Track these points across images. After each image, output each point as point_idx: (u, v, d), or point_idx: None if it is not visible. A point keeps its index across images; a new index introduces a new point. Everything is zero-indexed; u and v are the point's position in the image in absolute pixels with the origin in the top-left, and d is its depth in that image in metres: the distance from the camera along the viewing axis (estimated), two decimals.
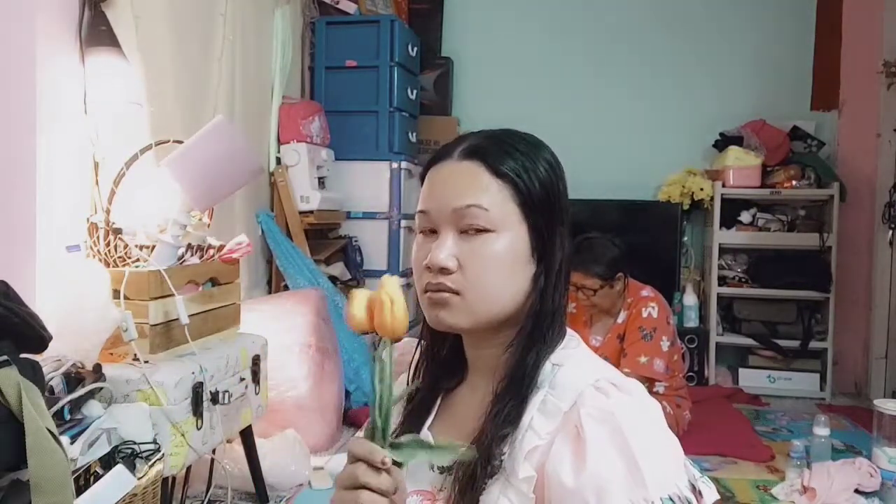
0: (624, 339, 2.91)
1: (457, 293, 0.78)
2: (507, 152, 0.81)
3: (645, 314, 2.91)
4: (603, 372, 0.79)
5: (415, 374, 0.92)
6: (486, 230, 0.78)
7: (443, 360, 0.90)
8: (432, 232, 0.81)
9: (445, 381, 0.89)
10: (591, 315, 3.01)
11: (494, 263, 0.78)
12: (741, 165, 3.78)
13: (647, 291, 2.97)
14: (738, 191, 3.82)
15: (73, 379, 1.51)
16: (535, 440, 0.76)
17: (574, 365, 0.81)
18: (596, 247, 2.88)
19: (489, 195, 0.79)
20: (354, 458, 0.70)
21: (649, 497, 0.70)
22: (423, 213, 0.82)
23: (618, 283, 2.85)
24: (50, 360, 1.48)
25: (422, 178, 0.86)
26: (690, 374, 3.77)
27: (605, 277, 2.81)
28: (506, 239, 0.79)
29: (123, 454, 1.49)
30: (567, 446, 0.74)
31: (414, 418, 0.87)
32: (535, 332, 0.81)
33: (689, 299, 3.95)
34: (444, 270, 0.78)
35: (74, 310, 1.60)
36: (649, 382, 2.87)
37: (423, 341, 0.91)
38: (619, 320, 2.96)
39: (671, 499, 0.71)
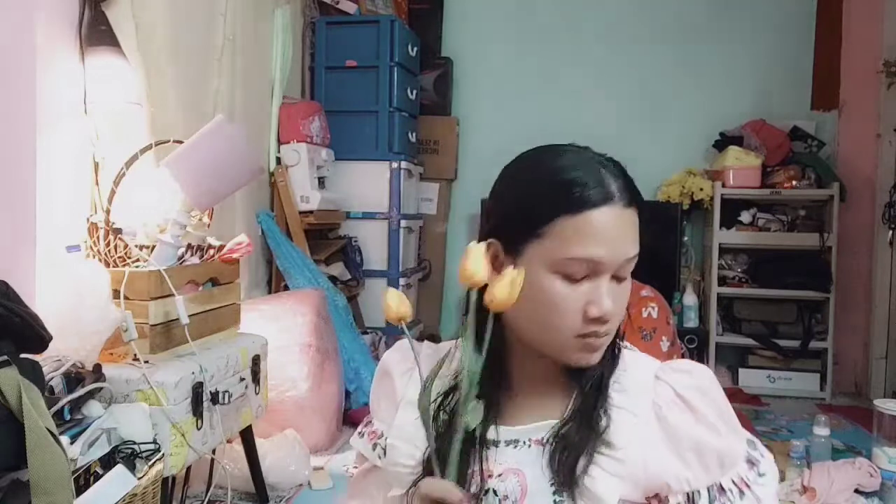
0: (624, 339, 2.92)
1: (607, 334, 0.83)
2: (641, 195, 0.85)
3: (645, 314, 2.91)
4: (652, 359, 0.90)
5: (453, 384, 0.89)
6: (627, 277, 0.83)
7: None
8: (581, 277, 0.80)
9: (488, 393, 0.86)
10: None
11: (626, 300, 0.85)
12: (741, 165, 3.78)
13: (646, 291, 2.97)
14: (738, 191, 3.82)
15: (73, 379, 1.51)
16: (626, 415, 0.83)
17: (628, 348, 0.91)
18: None
19: (638, 243, 0.84)
20: (430, 501, 0.74)
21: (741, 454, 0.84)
22: (595, 261, 0.79)
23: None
24: (50, 360, 1.48)
25: (542, 201, 0.81)
26: None
27: None
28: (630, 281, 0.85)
29: (123, 454, 1.49)
30: (672, 412, 0.83)
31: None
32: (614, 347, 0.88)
33: (689, 299, 3.95)
34: (608, 321, 0.81)
35: (74, 310, 1.60)
36: None
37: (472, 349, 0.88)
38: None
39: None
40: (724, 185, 3.82)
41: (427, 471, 0.83)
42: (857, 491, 2.37)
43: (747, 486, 0.83)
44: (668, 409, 0.83)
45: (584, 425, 0.82)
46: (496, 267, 0.83)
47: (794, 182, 3.77)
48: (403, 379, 0.94)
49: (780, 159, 3.85)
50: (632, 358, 0.90)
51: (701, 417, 0.82)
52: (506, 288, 0.74)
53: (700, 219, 4.12)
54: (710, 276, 3.92)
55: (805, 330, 3.81)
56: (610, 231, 0.79)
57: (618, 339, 0.89)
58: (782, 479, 2.55)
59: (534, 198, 0.82)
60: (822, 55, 4.03)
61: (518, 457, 0.84)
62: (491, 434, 0.85)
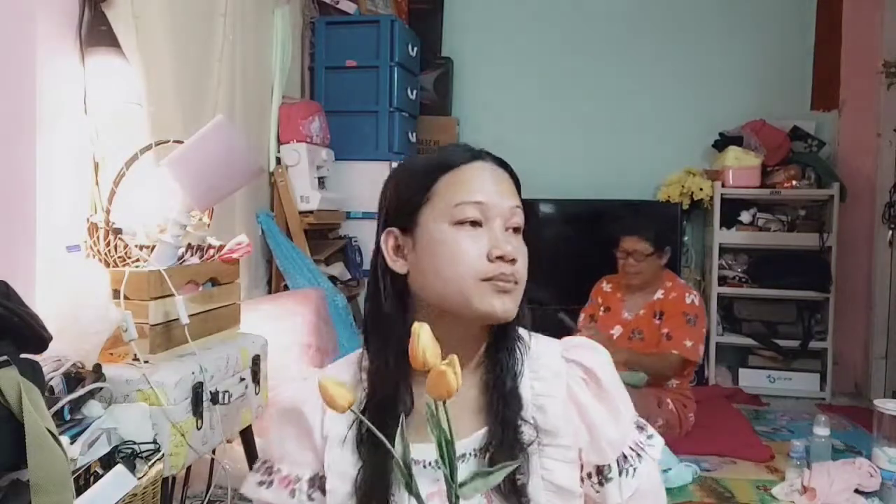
0: (662, 318, 2.99)
1: (516, 283, 0.87)
2: (512, 168, 0.95)
3: (688, 300, 3.00)
4: (550, 339, 0.97)
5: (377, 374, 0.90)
6: (520, 229, 0.91)
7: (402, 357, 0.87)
8: (473, 224, 0.86)
9: (398, 388, 0.87)
10: (625, 292, 3.12)
11: (527, 259, 0.90)
12: (741, 165, 3.78)
13: (681, 281, 3.07)
14: (737, 191, 3.82)
15: (73, 379, 1.51)
16: (552, 402, 0.88)
17: (531, 335, 0.95)
18: (641, 216, 3.06)
19: (519, 200, 0.92)
20: None
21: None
22: (478, 204, 0.86)
23: (665, 256, 2.99)
24: (50, 360, 1.48)
25: (417, 174, 0.90)
26: None
27: (657, 245, 2.95)
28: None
29: (123, 454, 1.49)
30: (586, 395, 0.90)
31: (385, 419, 0.84)
32: (520, 318, 0.92)
33: None
34: (511, 261, 0.86)
35: (74, 310, 1.60)
36: (689, 366, 2.96)
37: (378, 339, 0.91)
38: (655, 297, 3.07)
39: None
40: (723, 185, 3.82)
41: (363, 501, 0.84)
42: (857, 491, 2.37)
43: (642, 448, 0.92)
44: (578, 388, 0.90)
45: (510, 426, 0.85)
46: (399, 253, 0.89)
47: (793, 182, 3.77)
48: (317, 415, 0.90)
49: (779, 159, 3.85)
50: (536, 343, 0.94)
51: (604, 394, 0.90)
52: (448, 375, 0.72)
53: (700, 219, 4.12)
54: (710, 276, 3.92)
55: (805, 330, 3.81)
56: (486, 180, 0.89)
57: (518, 328, 0.92)
58: (782, 479, 2.56)
59: (415, 175, 0.90)
60: (822, 55, 4.03)
61: (461, 472, 0.82)
62: (416, 454, 0.84)
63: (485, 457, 0.85)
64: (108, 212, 1.87)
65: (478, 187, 0.87)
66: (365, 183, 3.73)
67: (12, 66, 1.77)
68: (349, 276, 3.60)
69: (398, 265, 0.89)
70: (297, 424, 0.92)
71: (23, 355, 1.30)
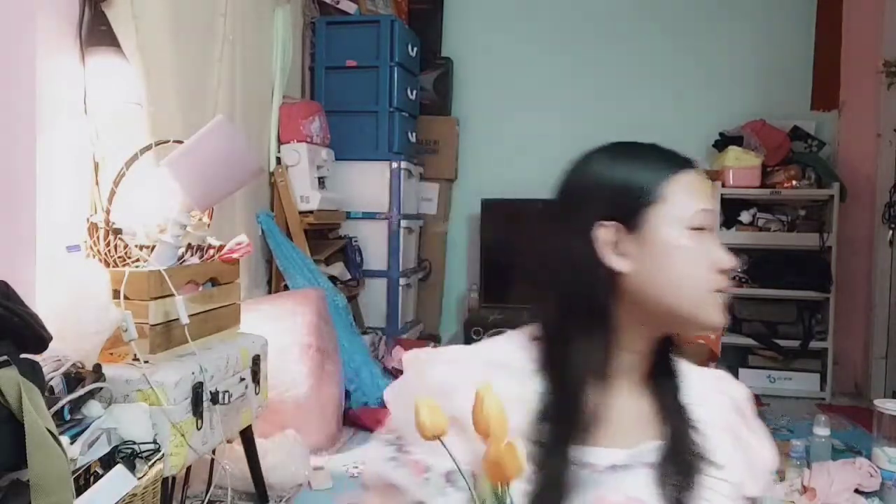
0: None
1: None
2: None
3: None
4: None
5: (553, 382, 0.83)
6: None
7: (584, 364, 0.83)
8: (700, 232, 0.83)
9: (584, 388, 0.82)
10: None
11: None
12: (741, 165, 3.78)
13: None
14: (738, 191, 3.82)
15: (73, 379, 1.51)
16: (715, 431, 0.85)
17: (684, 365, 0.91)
18: None
19: None
20: None
21: None
22: (709, 212, 0.84)
23: None
24: (50, 360, 1.48)
25: (646, 168, 0.84)
26: None
27: None
28: None
29: (123, 454, 1.49)
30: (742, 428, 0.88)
31: (562, 432, 0.79)
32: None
33: None
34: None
35: (74, 310, 1.60)
36: (712, 359, 2.96)
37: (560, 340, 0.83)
38: None
39: None
40: (723, 185, 3.81)
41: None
42: (857, 491, 2.37)
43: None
44: (732, 419, 0.88)
45: (686, 447, 0.83)
46: (617, 250, 0.82)
47: (793, 182, 3.77)
48: (472, 397, 0.80)
49: (779, 159, 3.85)
50: (687, 369, 0.90)
51: (755, 429, 0.89)
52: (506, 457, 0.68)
53: None
54: None
55: (805, 330, 3.81)
56: (704, 186, 0.85)
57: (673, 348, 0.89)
58: (782, 478, 2.56)
59: (644, 171, 0.84)
60: (822, 55, 4.03)
61: (636, 483, 0.81)
62: (591, 457, 0.80)
63: (657, 471, 0.82)
64: (108, 212, 1.87)
65: (703, 195, 0.84)
66: (365, 183, 3.74)
67: (12, 66, 1.77)
68: (349, 276, 3.60)
69: (619, 262, 0.82)
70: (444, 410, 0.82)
71: (23, 355, 1.30)
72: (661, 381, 0.87)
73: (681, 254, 0.81)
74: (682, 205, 0.82)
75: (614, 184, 0.85)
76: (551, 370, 0.83)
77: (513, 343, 0.88)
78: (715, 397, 0.89)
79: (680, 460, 0.82)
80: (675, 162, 0.85)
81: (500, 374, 0.81)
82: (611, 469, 0.81)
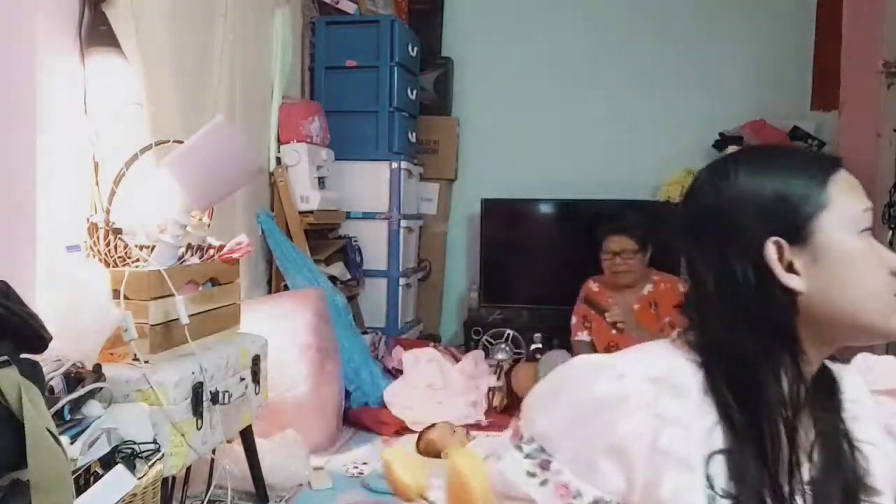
0: (658, 308, 3.06)
1: None
2: None
3: (683, 289, 2.98)
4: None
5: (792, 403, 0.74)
6: None
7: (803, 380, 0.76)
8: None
9: (778, 420, 0.74)
10: (612, 291, 3.15)
11: None
12: None
13: (668, 275, 3.11)
14: None
15: (73, 379, 1.51)
16: (871, 450, 0.78)
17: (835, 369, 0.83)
18: (625, 215, 3.14)
19: None
20: None
21: None
22: (870, 210, 0.77)
23: (647, 251, 3.03)
24: (50, 360, 1.48)
25: (804, 171, 0.76)
26: None
27: (643, 240, 3.00)
28: None
29: (123, 454, 1.49)
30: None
31: (761, 462, 0.72)
32: None
33: None
34: None
35: (74, 310, 1.60)
36: None
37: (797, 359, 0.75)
38: (645, 291, 3.11)
39: None
40: None
41: None
42: None
43: None
44: (894, 421, 0.80)
45: (845, 473, 0.76)
46: (788, 268, 0.74)
47: None
48: (646, 430, 0.73)
49: None
50: (840, 374, 0.82)
51: None
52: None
53: None
54: None
55: None
56: (860, 185, 0.78)
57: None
58: None
59: (799, 172, 0.76)
60: (821, 55, 4.03)
61: None
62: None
63: (814, 494, 0.75)
64: (108, 212, 1.87)
65: (863, 192, 0.77)
66: (365, 183, 3.74)
67: (12, 66, 1.77)
68: (349, 276, 3.60)
69: (793, 281, 0.74)
70: (598, 429, 0.74)
71: (23, 355, 1.30)
72: (820, 396, 0.79)
73: (859, 260, 0.74)
74: (849, 206, 0.75)
75: (772, 195, 0.75)
76: (734, 400, 0.74)
77: (673, 359, 0.78)
78: (868, 401, 0.81)
79: (838, 488, 0.75)
80: (827, 162, 0.77)
81: (668, 395, 0.74)
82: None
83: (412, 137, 3.97)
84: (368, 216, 3.76)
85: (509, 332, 3.78)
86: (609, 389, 0.75)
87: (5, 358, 1.24)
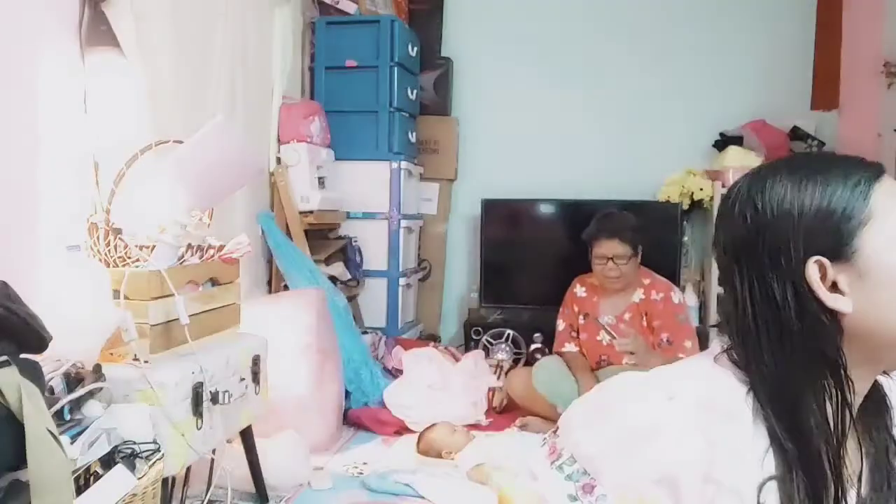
0: (648, 318, 2.94)
1: None
2: None
3: (676, 300, 2.96)
4: None
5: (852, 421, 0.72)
6: None
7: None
8: None
9: (827, 447, 0.72)
10: (601, 295, 3.05)
11: None
12: (741, 165, 3.78)
13: (658, 277, 3.02)
14: None
15: (73, 379, 1.51)
16: None
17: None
18: (617, 218, 3.00)
19: None
20: None
21: None
22: None
23: (639, 255, 2.94)
24: (50, 360, 1.48)
25: (861, 184, 0.72)
26: None
27: (634, 245, 2.89)
28: None
29: (123, 454, 1.49)
30: None
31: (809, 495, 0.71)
32: None
33: (690, 299, 3.94)
34: None
35: (74, 310, 1.60)
36: None
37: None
38: (636, 299, 3.01)
39: None
40: (724, 186, 3.81)
41: None
42: None
43: None
44: None
45: (893, 489, 0.74)
46: (832, 289, 0.71)
47: None
48: (705, 449, 0.70)
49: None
50: (888, 387, 0.80)
51: None
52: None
53: (700, 219, 4.12)
54: (710, 276, 3.91)
55: None
56: None
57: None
58: None
59: (839, 183, 0.71)
60: (822, 55, 4.02)
61: None
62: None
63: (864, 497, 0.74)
64: (108, 212, 1.87)
65: None
66: (365, 183, 3.74)
67: (12, 66, 1.77)
68: (349, 276, 3.60)
69: (839, 302, 0.70)
70: (646, 456, 0.71)
71: (23, 355, 1.30)
72: (870, 418, 0.76)
73: None
74: (893, 218, 0.70)
75: (812, 211, 0.71)
76: (782, 425, 0.71)
77: (722, 380, 0.75)
78: None
79: (887, 485, 0.73)
80: (868, 170, 0.73)
81: (720, 420, 0.71)
82: None
83: (412, 137, 3.97)
84: (368, 216, 3.76)
85: (509, 332, 3.78)
86: (659, 413, 0.72)
87: (5, 358, 1.24)
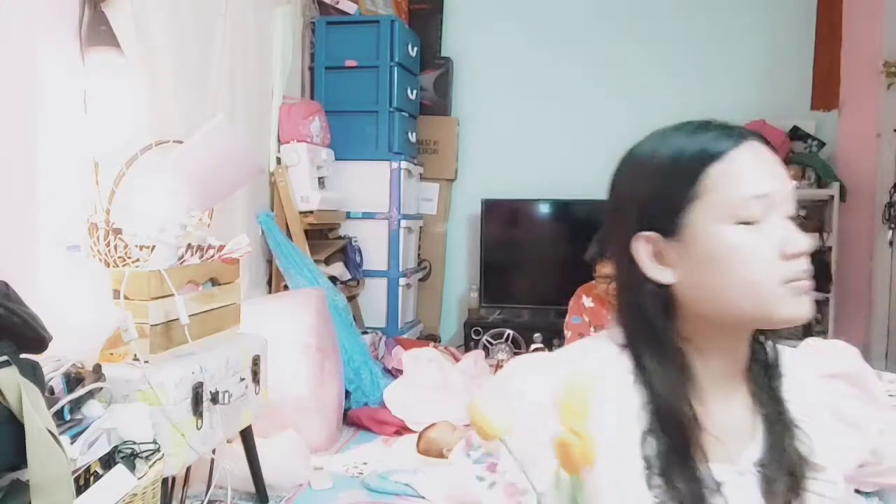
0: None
1: (809, 279, 0.74)
2: None
3: None
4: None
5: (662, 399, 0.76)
6: (794, 216, 0.76)
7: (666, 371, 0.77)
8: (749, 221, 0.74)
9: (680, 401, 0.76)
10: (608, 308, 3.03)
11: None
12: None
13: None
14: None
15: (73, 379, 1.51)
16: (815, 431, 0.79)
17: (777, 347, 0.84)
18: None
19: None
20: None
21: None
22: (763, 197, 0.73)
23: None
24: (50, 360, 1.48)
25: (675, 167, 0.76)
26: None
27: None
28: None
29: (123, 454, 1.49)
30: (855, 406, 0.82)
31: (672, 441, 0.74)
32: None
33: None
34: (806, 255, 0.74)
35: (74, 310, 1.60)
36: None
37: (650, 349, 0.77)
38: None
39: None
40: None
41: None
42: (857, 491, 2.36)
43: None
44: (843, 403, 0.81)
45: (789, 454, 0.77)
46: (661, 260, 0.76)
47: (794, 182, 3.76)
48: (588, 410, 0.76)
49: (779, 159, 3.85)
50: (783, 355, 0.83)
51: (870, 395, 0.83)
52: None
53: None
54: None
55: (805, 330, 3.80)
56: (763, 164, 0.75)
57: (762, 336, 0.81)
58: None
59: (674, 167, 0.76)
60: (822, 55, 4.02)
61: (746, 499, 0.75)
62: (703, 474, 0.75)
63: (763, 483, 0.76)
64: (108, 212, 1.87)
65: (758, 176, 0.74)
66: (365, 183, 3.74)
67: (13, 66, 1.77)
68: (349, 276, 3.60)
69: (664, 275, 0.75)
70: (539, 426, 0.75)
71: (23, 355, 1.30)
72: (757, 379, 0.80)
73: (730, 254, 0.72)
74: (723, 196, 0.73)
75: (645, 188, 0.77)
76: (644, 382, 0.76)
77: (609, 346, 0.80)
78: (813, 384, 0.82)
79: (784, 469, 0.76)
80: (719, 143, 0.75)
81: (604, 383, 0.76)
82: (721, 485, 0.75)
83: (412, 137, 3.97)
84: (368, 216, 3.76)
85: (509, 332, 3.78)
86: (544, 385, 0.77)
87: (5, 358, 1.24)
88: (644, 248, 0.76)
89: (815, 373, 0.83)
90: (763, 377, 0.80)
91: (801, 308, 0.73)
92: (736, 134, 0.76)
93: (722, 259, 0.73)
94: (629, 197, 0.79)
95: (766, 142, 0.77)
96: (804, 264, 0.73)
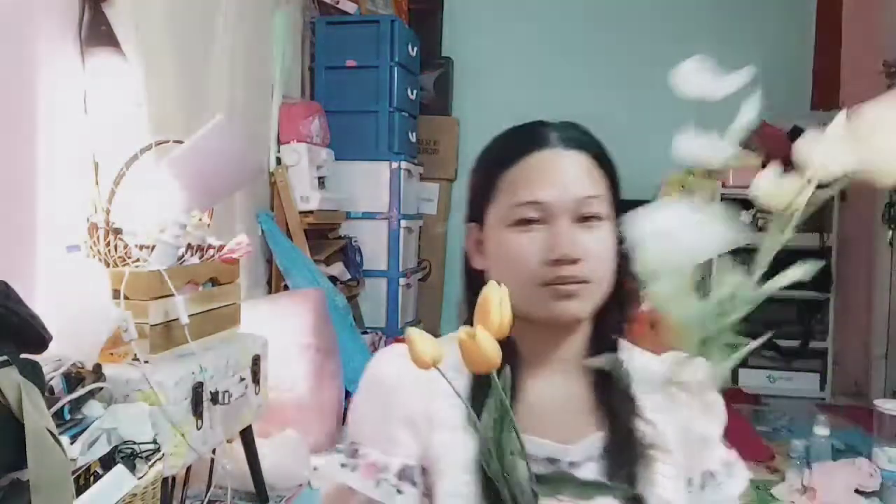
0: (655, 328, 2.95)
1: (585, 282, 0.81)
2: (599, 144, 0.91)
3: None
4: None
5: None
6: (600, 218, 0.83)
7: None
8: (535, 222, 0.82)
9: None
10: None
11: (609, 252, 0.84)
12: (741, 165, 3.78)
13: None
14: (737, 190, 3.81)
15: (73, 379, 1.51)
16: (658, 417, 0.84)
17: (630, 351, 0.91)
18: None
19: (599, 185, 0.86)
20: None
21: None
22: (537, 204, 0.81)
23: None
24: (50, 360, 1.48)
25: (485, 168, 0.88)
26: None
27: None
28: (609, 228, 0.84)
29: (123, 454, 1.49)
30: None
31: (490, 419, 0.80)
32: (620, 318, 0.89)
33: None
34: (574, 261, 0.80)
35: (74, 310, 1.60)
36: None
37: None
38: (646, 308, 2.98)
39: None
40: (723, 185, 3.81)
41: None
42: (857, 491, 2.37)
43: (730, 464, 0.91)
44: (687, 409, 0.86)
45: (632, 437, 0.82)
46: (480, 249, 0.87)
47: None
48: (420, 396, 0.81)
49: (779, 159, 3.85)
50: (631, 350, 0.91)
51: (709, 407, 0.89)
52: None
53: None
54: (709, 276, 3.91)
55: (805, 330, 3.81)
56: (550, 173, 0.83)
57: (614, 335, 0.88)
58: (782, 479, 2.56)
59: (480, 170, 0.88)
60: (822, 55, 4.03)
61: (586, 477, 0.80)
62: (540, 451, 0.80)
63: (605, 464, 0.81)
64: (108, 212, 1.87)
65: (538, 184, 0.82)
66: (365, 183, 3.74)
67: (12, 66, 1.77)
68: (349, 276, 3.60)
69: (476, 261, 0.88)
70: (391, 405, 0.83)
71: (23, 355, 1.30)
72: (604, 374, 0.85)
73: (506, 253, 0.82)
74: (508, 200, 0.83)
75: (472, 180, 0.90)
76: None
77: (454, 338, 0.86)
78: (657, 377, 0.86)
79: (627, 451, 0.81)
80: (518, 149, 0.85)
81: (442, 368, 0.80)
82: (560, 464, 0.80)
83: (412, 137, 3.97)
84: (368, 216, 3.76)
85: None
86: (385, 368, 0.85)
87: (5, 358, 1.24)
88: (471, 236, 0.88)
89: (661, 370, 0.87)
90: (604, 373, 0.85)
91: (558, 309, 0.80)
92: (537, 140, 0.84)
93: (501, 257, 0.83)
94: (469, 185, 0.90)
95: (581, 145, 0.86)
96: (567, 270, 0.80)
